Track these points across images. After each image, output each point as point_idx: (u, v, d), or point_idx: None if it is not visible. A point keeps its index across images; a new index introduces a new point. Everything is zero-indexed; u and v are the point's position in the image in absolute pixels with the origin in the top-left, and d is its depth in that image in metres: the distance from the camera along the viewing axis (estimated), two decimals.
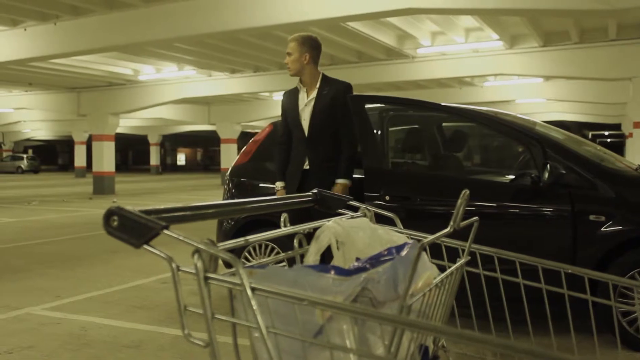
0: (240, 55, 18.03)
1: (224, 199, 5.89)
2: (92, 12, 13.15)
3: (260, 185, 5.74)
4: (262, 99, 29.12)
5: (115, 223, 1.10)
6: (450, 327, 0.88)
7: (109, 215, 1.11)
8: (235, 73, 21.67)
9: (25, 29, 14.37)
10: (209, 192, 24.14)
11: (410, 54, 17.88)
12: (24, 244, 9.70)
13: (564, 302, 1.96)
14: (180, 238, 1.06)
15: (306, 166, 4.65)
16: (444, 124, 6.01)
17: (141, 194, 23.16)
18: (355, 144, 4.70)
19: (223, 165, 31.01)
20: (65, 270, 7.45)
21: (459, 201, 1.35)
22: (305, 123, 4.65)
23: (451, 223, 1.35)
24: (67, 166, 62.72)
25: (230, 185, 5.84)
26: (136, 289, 6.40)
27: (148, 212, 1.13)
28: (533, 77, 20.92)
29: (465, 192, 1.35)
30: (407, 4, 10.26)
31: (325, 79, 4.71)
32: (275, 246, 5.15)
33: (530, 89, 23.38)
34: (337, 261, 1.49)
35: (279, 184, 4.82)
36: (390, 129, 5.39)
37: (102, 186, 22.95)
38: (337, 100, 4.61)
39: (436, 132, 5.96)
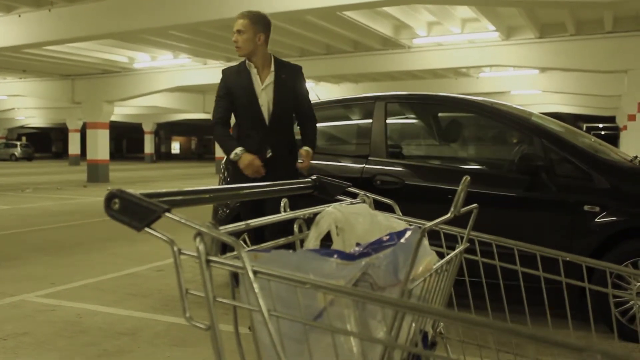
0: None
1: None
2: None
3: None
4: None
5: (117, 206, 1.10)
6: (452, 311, 0.89)
7: (110, 198, 1.11)
8: (230, 61, 21.54)
9: (19, 15, 14.29)
10: (204, 181, 24.11)
11: (406, 44, 17.86)
12: (19, 232, 9.68)
13: (559, 290, 1.97)
14: (182, 221, 1.06)
15: (269, 154, 4.25)
16: (440, 114, 6.01)
17: (136, 182, 23.12)
18: (314, 116, 4.50)
19: (218, 154, 30.99)
20: (59, 257, 7.45)
21: (460, 187, 1.35)
22: (265, 109, 4.27)
23: (451, 209, 1.35)
24: (61, 154, 62.54)
25: (226, 174, 5.83)
26: (131, 276, 6.40)
27: (149, 195, 1.13)
28: (529, 68, 20.94)
29: (466, 179, 1.35)
30: None
31: (279, 62, 4.37)
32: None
33: (525, 81, 23.42)
34: (336, 246, 1.50)
35: (239, 150, 4.19)
36: (390, 120, 5.40)
37: (97, 174, 22.91)
38: (296, 84, 4.38)
39: (432, 122, 5.96)
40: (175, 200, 1.20)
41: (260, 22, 4.24)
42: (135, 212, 1.09)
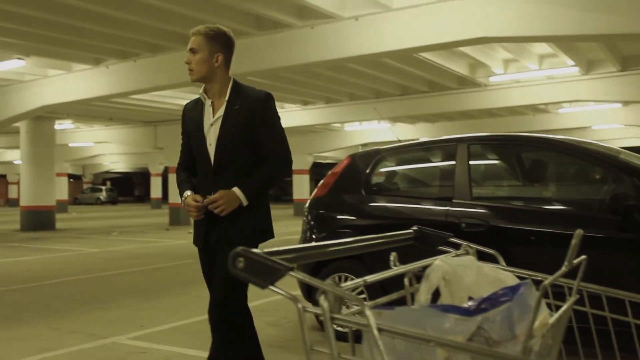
0: (312, 87, 18.29)
1: (303, 230, 5.97)
2: (169, 49, 13.64)
3: (338, 217, 5.78)
4: (333, 129, 29.46)
5: (242, 264, 1.15)
6: None
7: (235, 257, 1.16)
8: (307, 105, 21.99)
9: (107, 67, 15.04)
10: (283, 223, 24.22)
11: (482, 82, 17.76)
12: (107, 274, 10.02)
13: None
14: (306, 280, 1.11)
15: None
16: (523, 154, 5.93)
17: None
18: (283, 164, 3.57)
19: (295, 196, 31.34)
20: (146, 300, 7.65)
21: (573, 241, 1.35)
22: (212, 149, 3.42)
23: (565, 262, 1.35)
24: (143, 197, 64.54)
25: (309, 217, 5.91)
26: None
27: (271, 254, 1.18)
28: (610, 102, 20.40)
29: (579, 232, 1.35)
30: (480, 34, 10.22)
31: (237, 89, 3.48)
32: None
33: (607, 115, 22.80)
34: (444, 299, 1.52)
35: (186, 193, 3.45)
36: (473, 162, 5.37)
37: (178, 217, 23.50)
38: (254, 116, 3.44)
39: (516, 162, 5.88)
40: (296, 257, 1.25)
41: (218, 40, 3.43)
42: (260, 271, 1.14)
